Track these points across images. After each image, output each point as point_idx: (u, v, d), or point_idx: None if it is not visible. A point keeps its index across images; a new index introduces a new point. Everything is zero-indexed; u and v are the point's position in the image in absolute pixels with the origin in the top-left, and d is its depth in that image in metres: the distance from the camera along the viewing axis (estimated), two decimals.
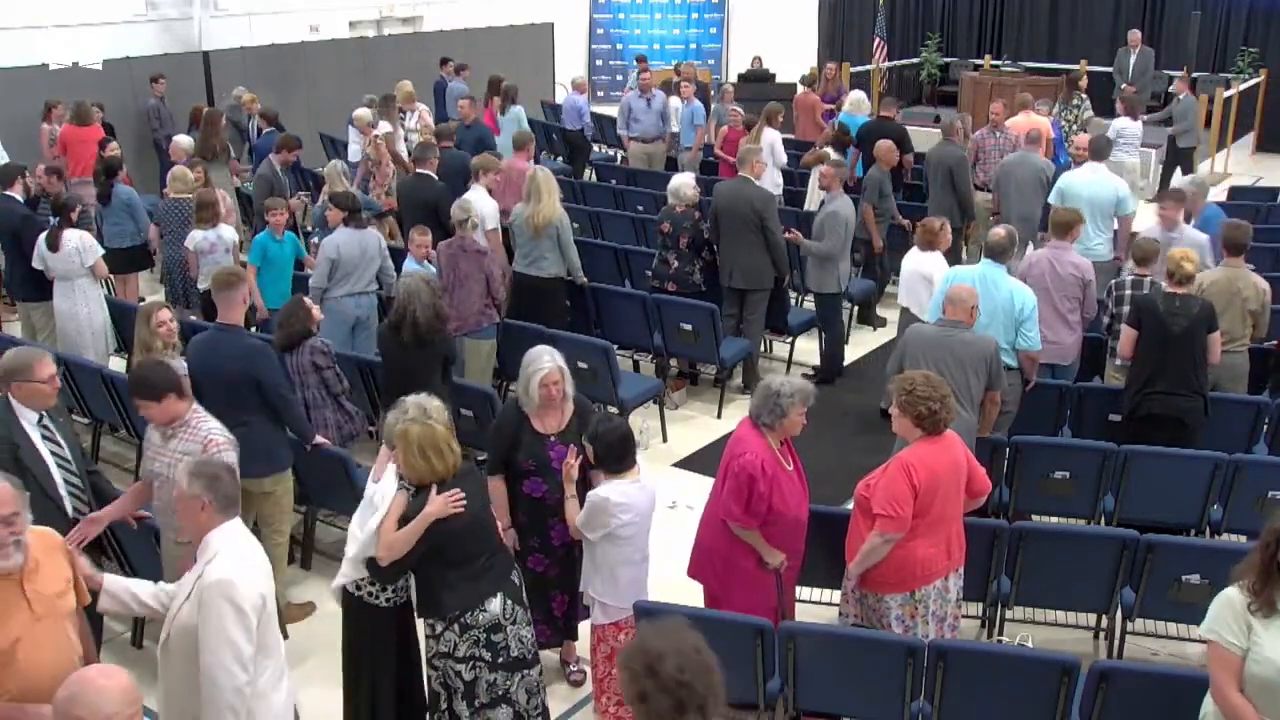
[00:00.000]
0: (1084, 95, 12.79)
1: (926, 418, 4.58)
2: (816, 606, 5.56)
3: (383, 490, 4.41)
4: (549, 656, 5.33)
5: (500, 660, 4.32)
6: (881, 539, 4.55)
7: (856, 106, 11.99)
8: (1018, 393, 6.38)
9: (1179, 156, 13.52)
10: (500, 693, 4.35)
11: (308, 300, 6.49)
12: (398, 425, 4.33)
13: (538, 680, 4.52)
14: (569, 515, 4.75)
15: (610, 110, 16.99)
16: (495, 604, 4.30)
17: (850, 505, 4.91)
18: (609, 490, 4.56)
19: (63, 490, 4.77)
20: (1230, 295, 6.61)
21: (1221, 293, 6.59)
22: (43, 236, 7.83)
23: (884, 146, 9.80)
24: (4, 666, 3.43)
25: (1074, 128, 12.04)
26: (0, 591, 3.46)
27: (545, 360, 4.93)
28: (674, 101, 13.31)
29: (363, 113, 11.35)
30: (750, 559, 4.78)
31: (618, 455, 4.60)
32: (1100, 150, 8.83)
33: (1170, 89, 13.89)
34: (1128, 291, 6.71)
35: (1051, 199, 8.66)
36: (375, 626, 4.59)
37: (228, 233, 8.43)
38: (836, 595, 5.46)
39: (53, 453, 4.77)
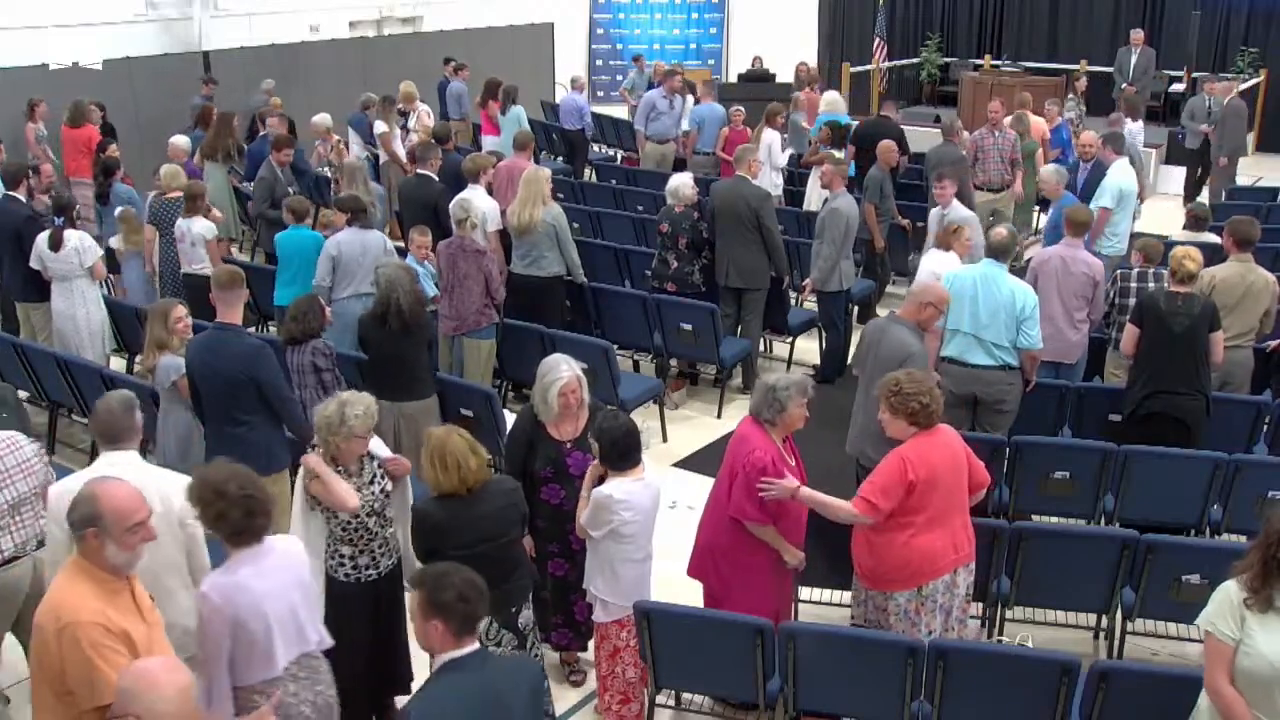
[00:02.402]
0: (1078, 96, 12.87)
1: (919, 412, 4.59)
2: (816, 606, 5.56)
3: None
4: (551, 656, 5.33)
5: None
6: (851, 516, 4.57)
7: (833, 106, 12.08)
8: (1018, 392, 6.38)
9: (1203, 158, 13.47)
10: None
11: (321, 300, 6.51)
12: (341, 416, 4.47)
13: None
14: (577, 516, 4.74)
15: (610, 110, 17.00)
16: (479, 625, 4.29)
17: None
18: (612, 488, 4.56)
19: None
20: (1243, 290, 6.61)
21: (1232, 288, 6.59)
22: (44, 235, 7.81)
23: (885, 146, 9.83)
24: None
25: (1077, 128, 12.11)
26: (124, 601, 3.44)
27: (563, 369, 4.93)
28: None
29: (320, 119, 11.29)
30: (753, 557, 4.78)
31: (622, 452, 4.60)
32: (1121, 146, 9.11)
33: (1203, 92, 13.72)
34: (1133, 284, 6.72)
35: (1108, 203, 8.64)
36: (342, 599, 4.62)
37: (198, 225, 8.43)
38: (836, 595, 5.48)
39: None
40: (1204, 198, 12.71)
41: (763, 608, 4.71)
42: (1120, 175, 8.87)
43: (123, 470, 4.11)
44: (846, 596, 5.42)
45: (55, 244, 7.76)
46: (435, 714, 3.17)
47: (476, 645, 3.32)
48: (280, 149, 9.87)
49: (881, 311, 9.94)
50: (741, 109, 12.32)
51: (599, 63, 20.64)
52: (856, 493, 4.73)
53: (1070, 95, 12.97)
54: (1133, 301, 6.55)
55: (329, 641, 3.97)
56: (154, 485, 4.15)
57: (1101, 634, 5.55)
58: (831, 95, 12.53)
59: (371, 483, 4.65)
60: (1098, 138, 9.64)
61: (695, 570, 4.99)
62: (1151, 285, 6.67)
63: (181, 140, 10.52)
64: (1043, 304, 6.76)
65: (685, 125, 13.14)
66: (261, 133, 11.62)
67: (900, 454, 4.60)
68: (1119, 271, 7.03)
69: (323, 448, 4.57)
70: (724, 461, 4.88)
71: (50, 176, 8.89)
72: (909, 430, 4.63)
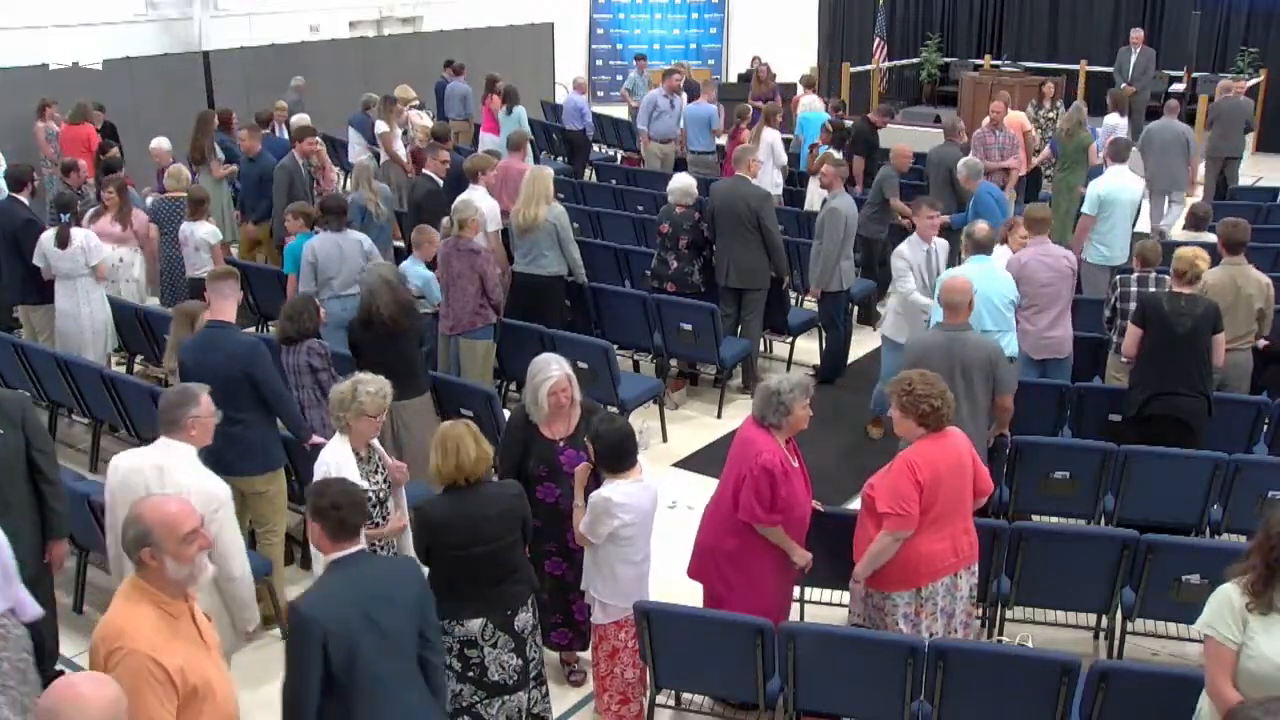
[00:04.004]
0: (1048, 102, 13.04)
1: (930, 415, 4.59)
2: (817, 607, 5.56)
3: (331, 460, 4.58)
4: (551, 656, 5.32)
5: (470, 675, 4.35)
6: (891, 538, 4.54)
7: (810, 106, 12.10)
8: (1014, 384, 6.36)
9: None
10: (465, 704, 4.38)
11: (317, 300, 6.51)
12: (354, 392, 4.61)
13: (525, 705, 4.48)
14: (575, 524, 4.73)
15: (611, 110, 17.00)
16: (475, 624, 4.32)
17: (849, 505, 4.91)
18: (611, 490, 4.55)
19: None
20: (1234, 293, 6.60)
21: (1225, 291, 6.57)
22: (51, 233, 7.78)
23: (899, 149, 9.84)
24: (203, 709, 3.25)
25: (1046, 133, 12.27)
26: (185, 626, 3.31)
27: (553, 369, 4.93)
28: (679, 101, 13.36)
29: (297, 118, 11.25)
30: (757, 559, 4.77)
31: (619, 454, 4.59)
32: (1119, 152, 8.99)
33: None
34: (1133, 289, 6.71)
35: (1086, 210, 8.70)
36: None
37: (202, 230, 8.44)
38: (837, 595, 5.48)
39: None
40: (1199, 197, 12.71)
41: (768, 609, 4.71)
42: (1103, 182, 8.83)
43: (167, 455, 4.43)
44: (848, 596, 5.43)
45: (63, 241, 7.74)
46: (321, 603, 3.54)
47: (360, 547, 3.67)
48: (302, 139, 9.85)
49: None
50: (748, 108, 12.33)
51: (599, 63, 20.65)
52: (863, 495, 4.73)
53: (1033, 101, 13.01)
54: (1133, 306, 6.54)
55: (33, 613, 4.16)
56: (186, 481, 4.34)
57: (1101, 634, 5.55)
58: (809, 97, 12.60)
59: (376, 471, 4.71)
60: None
61: (696, 572, 4.98)
62: (1152, 289, 6.65)
63: (163, 142, 10.47)
64: (1035, 305, 6.79)
65: (680, 124, 13.20)
66: (262, 132, 11.58)
67: (905, 457, 4.60)
68: (1118, 278, 7.01)
69: (336, 426, 4.67)
70: (727, 465, 4.86)
71: (88, 171, 9.03)
72: (918, 431, 4.63)
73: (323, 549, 3.68)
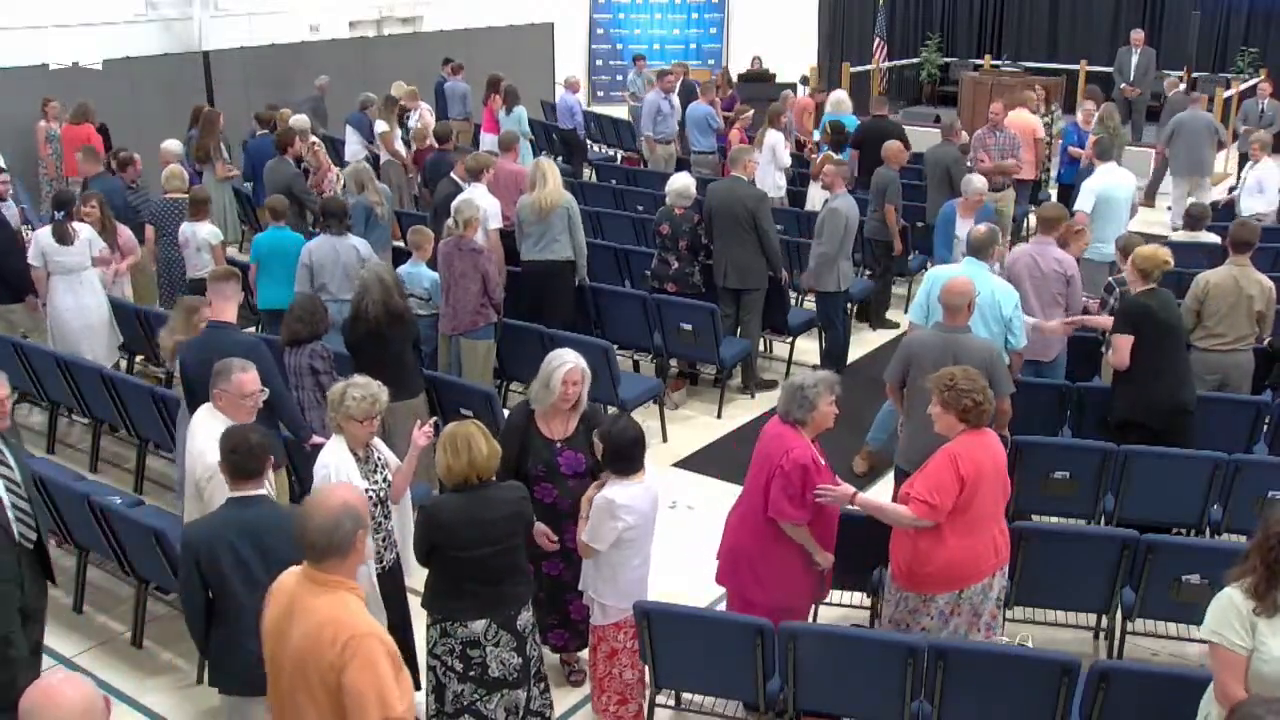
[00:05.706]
0: (1042, 104, 13.08)
1: (971, 410, 4.55)
2: (829, 608, 5.55)
3: (331, 463, 4.61)
4: (550, 657, 5.32)
5: (472, 675, 4.35)
6: (912, 520, 4.51)
7: (837, 106, 12.06)
8: None
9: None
10: (466, 704, 4.38)
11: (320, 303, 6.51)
12: (342, 396, 4.64)
13: (523, 701, 4.48)
14: (579, 536, 4.71)
15: (612, 110, 16.99)
16: (478, 625, 4.32)
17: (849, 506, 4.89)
18: (614, 492, 4.55)
19: (10, 514, 4.51)
20: (1236, 294, 6.60)
21: (1227, 291, 6.58)
22: (47, 230, 7.75)
23: (895, 147, 9.82)
24: (400, 678, 3.25)
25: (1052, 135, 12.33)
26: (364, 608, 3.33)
27: (570, 358, 4.96)
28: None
29: (298, 119, 11.31)
30: (789, 559, 4.75)
31: (627, 457, 4.59)
32: (1105, 151, 9.00)
33: (1267, 101, 13.66)
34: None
35: (1081, 205, 8.71)
36: None
37: (204, 230, 8.45)
38: (842, 596, 5.48)
39: (3, 475, 4.54)
40: (1221, 187, 12.76)
41: (794, 607, 4.73)
42: (1099, 179, 8.83)
43: (204, 418, 4.84)
44: (859, 598, 5.43)
45: (64, 238, 7.71)
46: (198, 530, 4.11)
47: (259, 491, 4.10)
48: (291, 139, 9.86)
49: (893, 314, 9.99)
50: (750, 109, 12.32)
51: (599, 63, 20.63)
52: (899, 496, 4.71)
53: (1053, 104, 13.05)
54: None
55: None
56: (195, 445, 4.73)
57: (1101, 634, 5.55)
58: (837, 95, 12.45)
59: (375, 471, 4.70)
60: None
61: (726, 576, 4.94)
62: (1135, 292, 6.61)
63: (174, 145, 10.48)
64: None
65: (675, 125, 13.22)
66: (259, 131, 11.61)
67: (949, 451, 4.56)
68: (1111, 279, 6.98)
69: (331, 426, 4.74)
70: (755, 464, 4.81)
71: (139, 167, 9.32)
72: (958, 427, 4.59)
73: (228, 488, 4.12)
